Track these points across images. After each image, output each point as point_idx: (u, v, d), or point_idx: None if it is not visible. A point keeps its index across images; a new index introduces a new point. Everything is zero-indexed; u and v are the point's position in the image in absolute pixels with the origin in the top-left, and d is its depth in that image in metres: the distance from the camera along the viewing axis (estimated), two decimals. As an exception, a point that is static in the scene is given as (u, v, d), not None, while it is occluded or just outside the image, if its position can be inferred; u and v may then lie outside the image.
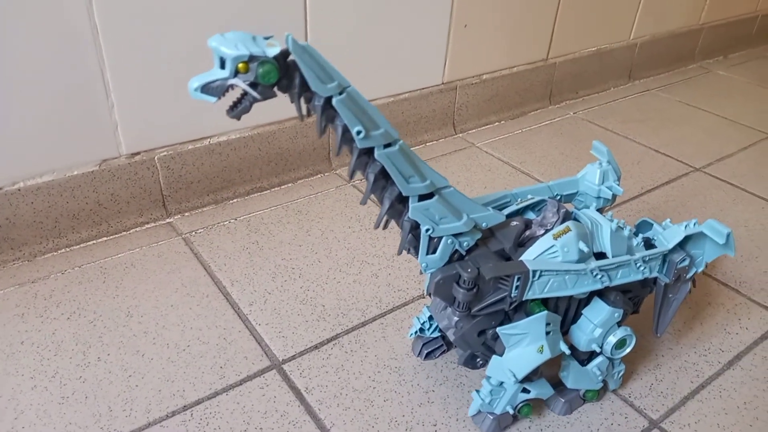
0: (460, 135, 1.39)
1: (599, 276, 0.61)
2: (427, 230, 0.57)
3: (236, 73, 0.44)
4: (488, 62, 1.38)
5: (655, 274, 0.65)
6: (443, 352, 0.78)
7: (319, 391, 0.73)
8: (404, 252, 0.64)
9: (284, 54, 0.46)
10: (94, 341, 0.78)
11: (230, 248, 0.96)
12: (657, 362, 0.79)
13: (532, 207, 0.68)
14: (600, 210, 0.72)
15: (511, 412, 0.66)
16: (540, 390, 0.67)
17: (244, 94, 0.46)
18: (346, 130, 0.50)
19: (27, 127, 0.86)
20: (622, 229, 0.64)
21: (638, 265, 0.63)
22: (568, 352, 0.64)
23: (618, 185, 0.71)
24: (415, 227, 0.57)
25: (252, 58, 0.43)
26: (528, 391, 0.66)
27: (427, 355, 0.77)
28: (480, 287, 0.59)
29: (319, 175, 1.19)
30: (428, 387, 0.74)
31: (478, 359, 0.68)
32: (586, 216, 0.65)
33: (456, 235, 0.58)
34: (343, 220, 1.05)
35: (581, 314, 0.66)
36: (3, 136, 0.85)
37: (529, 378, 0.65)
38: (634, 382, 0.76)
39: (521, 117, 1.51)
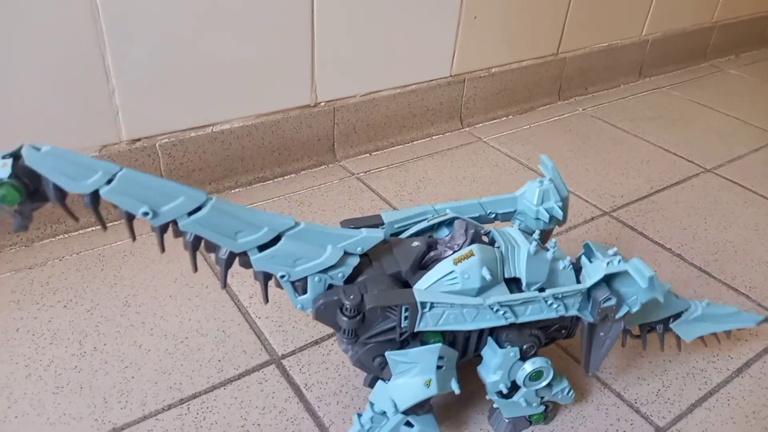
0: (467, 129, 1.37)
1: (502, 312, 0.56)
2: (283, 277, 0.52)
3: None
4: (497, 55, 1.36)
5: (574, 312, 0.59)
6: None
7: (319, 388, 0.71)
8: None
9: (26, 168, 0.42)
10: (91, 330, 0.76)
11: (231, 239, 0.94)
12: (664, 368, 0.77)
13: (449, 224, 0.63)
14: (542, 233, 0.66)
15: None
16: (425, 427, 0.62)
17: None
18: (132, 215, 0.46)
19: (26, 112, 0.84)
20: (545, 251, 0.57)
21: (549, 302, 0.57)
22: (457, 392, 0.59)
23: (560, 207, 0.65)
24: (272, 275, 0.53)
25: None
26: (412, 425, 0.62)
27: None
28: (366, 315, 0.54)
29: (322, 166, 1.17)
30: (430, 386, 0.72)
31: (385, 379, 0.64)
32: (503, 236, 0.59)
33: (324, 270, 0.53)
34: (345, 213, 1.03)
35: (482, 355, 0.61)
36: (2, 121, 0.83)
37: (414, 410, 0.61)
38: (640, 387, 0.74)
39: (529, 112, 1.48)
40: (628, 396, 0.73)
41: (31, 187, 0.43)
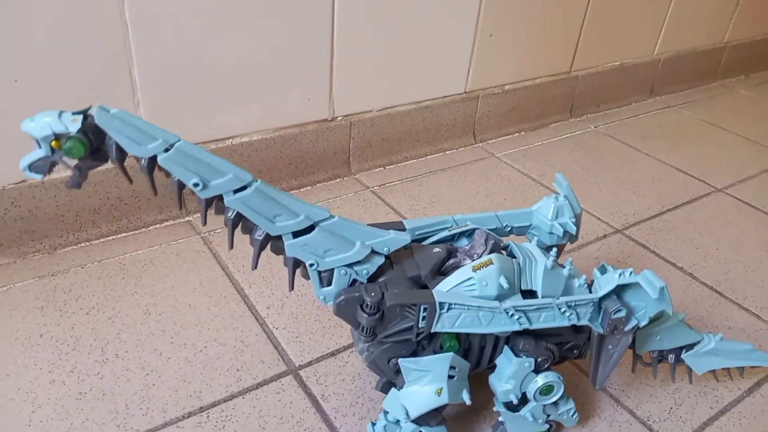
0: (480, 144, 1.39)
1: (516, 317, 0.57)
2: (312, 265, 0.55)
3: (54, 150, 0.45)
4: (511, 72, 1.37)
5: (585, 322, 0.60)
6: None
7: (335, 399, 0.72)
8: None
9: (93, 126, 0.46)
10: (113, 338, 0.78)
11: (248, 249, 0.96)
12: (676, 386, 0.78)
13: (468, 235, 0.65)
14: (555, 247, 0.68)
15: None
16: None
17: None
18: (183, 185, 0.49)
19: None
20: (562, 267, 0.59)
21: (562, 309, 0.58)
22: (468, 402, 0.60)
23: (574, 223, 0.67)
24: (301, 262, 0.55)
25: (58, 136, 0.44)
26: None
27: None
28: (385, 313, 0.56)
29: (338, 179, 1.19)
30: (445, 400, 0.73)
31: (398, 387, 0.65)
32: (521, 250, 0.61)
33: (350, 265, 0.56)
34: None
35: (495, 364, 0.63)
36: (30, 128, 0.85)
37: (426, 421, 0.62)
38: (653, 404, 0.75)
39: (541, 129, 1.50)
40: (641, 413, 0.74)
41: (94, 145, 0.46)
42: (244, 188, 0.50)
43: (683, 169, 1.36)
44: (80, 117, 0.45)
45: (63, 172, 0.89)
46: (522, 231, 0.70)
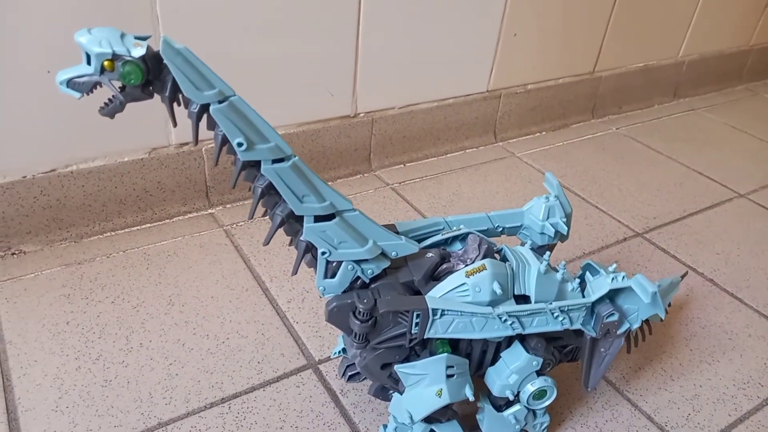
0: (501, 144, 1.39)
1: (510, 322, 0.57)
2: (323, 253, 0.54)
3: (102, 71, 0.42)
4: (534, 72, 1.37)
5: (578, 326, 0.60)
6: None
7: (354, 395, 0.73)
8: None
9: (156, 56, 0.44)
10: (137, 327, 0.80)
11: (270, 243, 0.97)
12: (695, 392, 0.78)
13: (462, 239, 0.64)
14: (545, 247, 0.67)
15: None
16: None
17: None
18: (226, 141, 0.48)
19: (82, 113, 0.88)
20: (555, 272, 0.59)
21: (555, 314, 0.58)
22: (471, 399, 0.60)
23: (565, 223, 0.67)
24: (312, 248, 0.55)
25: (116, 57, 0.42)
26: None
27: (351, 378, 0.74)
28: (378, 320, 0.55)
29: (358, 176, 1.20)
30: (463, 399, 0.74)
31: (390, 391, 0.64)
32: (515, 254, 0.60)
33: (358, 262, 0.55)
34: (381, 222, 1.05)
35: (501, 357, 0.62)
36: (59, 120, 0.86)
37: (437, 419, 0.62)
38: (671, 410, 0.75)
39: (563, 129, 1.49)
40: (659, 419, 0.74)
41: (149, 77, 0.44)
42: (281, 160, 0.50)
43: (706, 173, 1.35)
44: (144, 44, 0.43)
45: (92, 162, 0.91)
46: (513, 231, 0.70)
